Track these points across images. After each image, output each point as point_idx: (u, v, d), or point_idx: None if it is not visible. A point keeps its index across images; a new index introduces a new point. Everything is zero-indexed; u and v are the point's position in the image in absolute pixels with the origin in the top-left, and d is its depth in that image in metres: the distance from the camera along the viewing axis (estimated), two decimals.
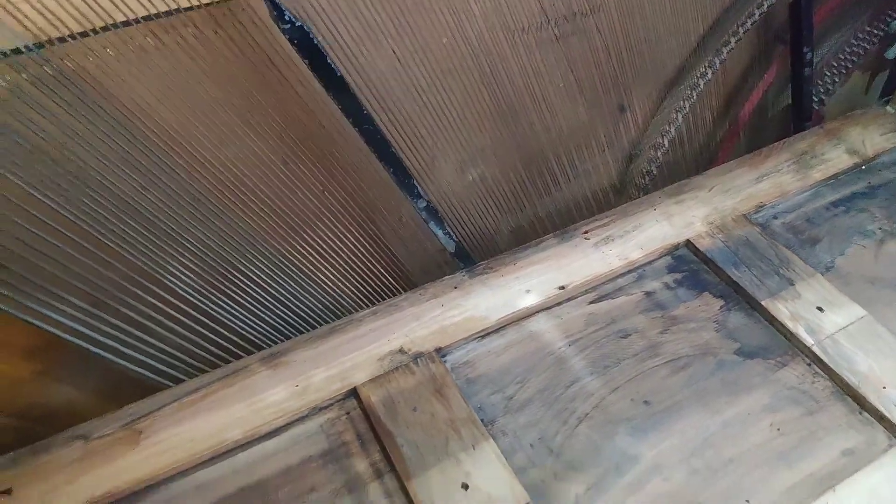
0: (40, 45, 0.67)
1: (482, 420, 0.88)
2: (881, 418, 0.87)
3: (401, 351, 0.96)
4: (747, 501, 0.80)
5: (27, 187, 0.74)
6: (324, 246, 0.99)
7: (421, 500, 0.80)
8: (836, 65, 1.38)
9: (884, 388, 0.89)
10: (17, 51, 0.66)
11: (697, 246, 1.08)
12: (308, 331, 0.99)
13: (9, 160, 0.71)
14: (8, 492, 0.83)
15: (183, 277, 0.89)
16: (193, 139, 0.80)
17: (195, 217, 0.86)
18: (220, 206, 0.88)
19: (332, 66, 0.80)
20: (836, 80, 1.39)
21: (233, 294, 0.96)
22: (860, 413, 0.88)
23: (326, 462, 0.86)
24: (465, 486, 0.81)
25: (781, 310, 0.98)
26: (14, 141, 0.71)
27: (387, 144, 0.88)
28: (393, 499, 0.82)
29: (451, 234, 1.04)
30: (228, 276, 0.94)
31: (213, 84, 0.78)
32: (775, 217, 1.15)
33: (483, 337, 0.99)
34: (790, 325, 0.96)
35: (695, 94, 1.20)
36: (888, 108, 1.36)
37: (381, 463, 0.85)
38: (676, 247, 1.09)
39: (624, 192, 1.28)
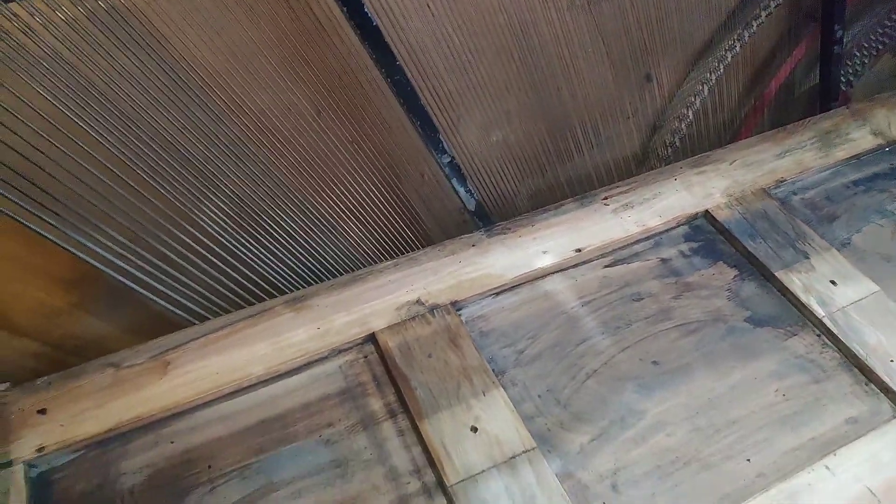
0: None
1: (493, 370, 0.91)
2: (886, 390, 0.88)
3: (418, 302, 0.99)
4: (748, 460, 0.82)
5: (77, 120, 0.77)
6: (350, 198, 1.03)
7: (431, 439, 0.83)
8: (866, 46, 1.38)
9: (891, 360, 0.90)
10: None
11: (715, 216, 1.09)
12: (330, 279, 1.03)
13: (62, 92, 0.75)
14: (42, 411, 0.88)
15: (216, 219, 0.93)
16: (233, 82, 0.83)
17: (230, 160, 0.89)
18: (255, 151, 0.91)
19: (369, 14, 0.82)
20: (866, 61, 1.39)
21: (262, 238, 0.99)
22: (866, 384, 0.90)
23: (343, 400, 0.90)
24: (475, 429, 0.84)
25: (795, 281, 1.00)
26: (67, 73, 0.74)
27: (416, 97, 0.90)
28: (405, 437, 0.86)
29: (473, 192, 1.06)
30: (259, 220, 0.97)
31: (254, 28, 0.81)
32: (795, 193, 1.16)
33: (498, 294, 1.02)
34: (802, 296, 0.98)
35: (722, 66, 1.21)
36: None
37: (395, 404, 0.89)
38: (695, 216, 1.11)
39: (646, 163, 1.29)
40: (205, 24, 0.79)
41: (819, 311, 0.96)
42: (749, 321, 0.97)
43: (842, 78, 1.36)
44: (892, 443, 0.82)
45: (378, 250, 1.12)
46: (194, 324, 0.98)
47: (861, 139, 1.25)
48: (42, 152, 0.79)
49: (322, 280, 1.04)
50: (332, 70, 0.90)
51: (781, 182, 1.16)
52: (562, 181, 1.23)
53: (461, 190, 1.04)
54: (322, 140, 0.95)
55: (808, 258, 1.03)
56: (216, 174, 0.90)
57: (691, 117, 1.24)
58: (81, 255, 0.88)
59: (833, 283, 1.00)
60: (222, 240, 0.96)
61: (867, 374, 0.90)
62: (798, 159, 1.20)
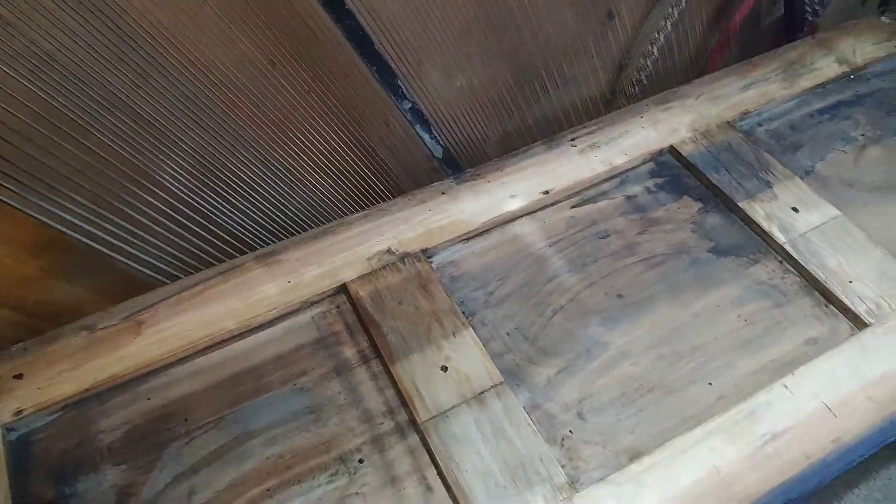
0: None
1: (463, 312, 0.93)
2: (845, 310, 0.90)
3: (389, 251, 1.00)
4: (710, 384, 0.85)
5: (28, 84, 0.77)
6: (313, 149, 1.03)
7: (403, 380, 0.85)
8: None
9: (850, 282, 0.92)
10: None
11: (680, 151, 1.10)
12: (301, 233, 1.04)
13: (9, 57, 0.75)
14: (19, 376, 0.89)
15: (178, 177, 0.93)
16: (184, 37, 0.83)
17: (188, 116, 0.89)
18: (212, 105, 0.91)
19: None
20: None
21: (226, 195, 1.00)
22: (826, 306, 0.92)
23: (317, 349, 0.91)
24: (445, 369, 0.86)
25: (757, 210, 1.01)
26: (12, 37, 0.74)
27: (369, 41, 0.90)
28: (378, 380, 0.87)
29: (439, 139, 1.06)
30: (222, 176, 0.97)
31: None
32: (759, 124, 1.17)
33: (468, 239, 1.03)
34: (765, 224, 0.99)
35: (684, 1, 1.21)
36: (883, 18, 1.35)
37: (368, 350, 0.91)
38: (660, 153, 1.12)
39: (614, 102, 1.29)
40: None
41: (781, 238, 0.97)
42: (713, 251, 0.98)
43: (808, 8, 1.36)
44: (848, 360, 0.84)
45: (348, 202, 1.12)
46: (166, 283, 0.99)
47: (826, 68, 1.25)
48: None
49: (293, 235, 1.05)
50: (282, 18, 0.89)
51: (746, 114, 1.17)
52: (530, 124, 1.23)
53: (426, 137, 1.04)
54: (279, 91, 0.94)
55: (770, 187, 1.04)
56: (174, 131, 0.90)
57: (656, 54, 1.24)
58: (46, 220, 0.89)
59: (795, 209, 1.01)
60: (187, 198, 0.96)
61: (827, 297, 0.92)
62: (763, 91, 1.20)
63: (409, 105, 1.00)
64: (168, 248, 1.00)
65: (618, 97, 1.29)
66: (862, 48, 1.28)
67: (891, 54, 1.27)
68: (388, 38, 0.97)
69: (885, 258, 0.95)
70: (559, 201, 1.07)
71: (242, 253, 1.03)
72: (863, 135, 1.14)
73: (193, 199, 0.97)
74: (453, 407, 0.83)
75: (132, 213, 0.94)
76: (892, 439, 0.79)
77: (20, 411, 0.86)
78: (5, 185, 0.84)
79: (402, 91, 0.98)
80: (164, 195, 0.94)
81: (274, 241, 1.06)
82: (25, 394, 0.87)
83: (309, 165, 1.04)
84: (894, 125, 1.15)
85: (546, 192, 1.06)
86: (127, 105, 0.84)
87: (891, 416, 0.79)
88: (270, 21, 0.88)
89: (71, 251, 0.96)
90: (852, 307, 0.89)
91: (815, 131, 1.15)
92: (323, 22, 0.90)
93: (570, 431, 0.81)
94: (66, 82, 0.80)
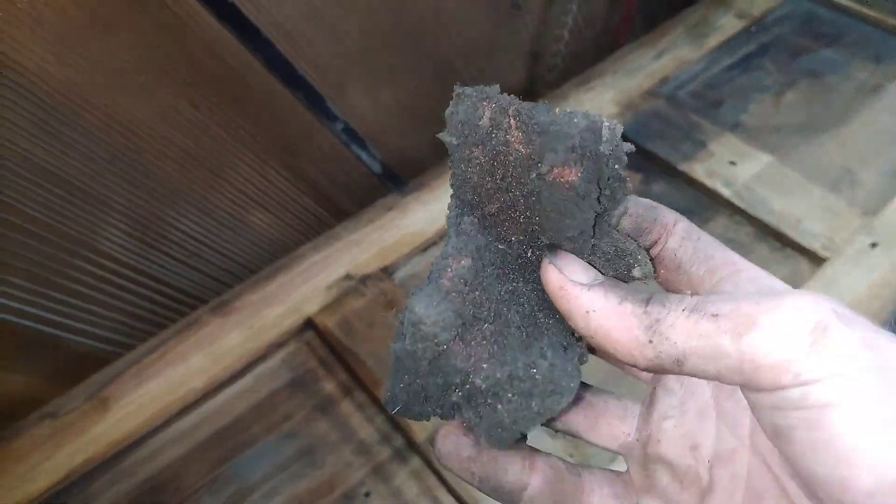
0: None
1: None
2: (801, 249, 0.93)
3: (348, 276, 0.98)
4: None
5: None
6: (251, 187, 1.00)
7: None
8: None
9: (799, 222, 0.95)
10: None
11: None
12: (252, 275, 1.00)
13: None
14: None
15: (116, 240, 0.89)
16: (100, 95, 0.79)
17: (117, 176, 0.85)
18: (140, 160, 0.87)
19: None
20: None
21: (169, 250, 0.96)
22: (783, 249, 0.95)
23: (295, 391, 0.88)
24: None
25: (698, 170, 1.03)
26: None
27: (291, 68, 0.88)
28: (365, 410, 0.85)
29: (375, 155, 1.05)
30: (162, 231, 0.93)
31: (106, 33, 0.77)
32: (679, 88, 1.20)
33: (425, 250, 1.02)
34: (708, 182, 1.02)
35: None
36: None
37: (348, 381, 0.88)
38: None
39: (535, 91, 1.31)
40: (56, 42, 0.74)
41: (726, 192, 1.00)
42: None
43: None
44: (813, 290, 0.87)
45: (295, 235, 1.10)
46: (122, 354, 0.94)
47: (727, 24, 1.30)
48: None
49: (243, 279, 1.02)
50: (199, 60, 0.86)
51: (665, 81, 1.20)
52: None
53: (363, 154, 1.02)
54: (207, 134, 0.91)
55: (705, 146, 1.07)
56: (106, 193, 0.86)
57: (567, 37, 1.26)
58: None
59: (732, 163, 1.04)
60: (129, 260, 0.92)
61: (781, 240, 0.95)
62: (675, 56, 1.24)
63: (342, 126, 0.98)
64: (116, 316, 0.95)
65: (537, 85, 1.30)
66: (756, 0, 1.34)
67: (783, 2, 1.33)
68: (308, 62, 0.95)
69: (824, 193, 0.98)
70: None
71: (194, 308, 0.99)
72: (776, 81, 1.18)
73: (135, 261, 0.92)
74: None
75: (73, 285, 0.89)
76: None
77: None
78: None
79: (332, 112, 0.96)
80: (104, 261, 0.90)
81: (227, 289, 1.02)
82: None
83: (249, 204, 1.01)
84: (801, 67, 1.20)
85: None
86: (53, 175, 0.80)
87: None
88: (186, 64, 0.85)
89: (13, 337, 0.90)
90: (807, 245, 0.92)
91: (732, 86, 1.19)
92: (241, 56, 0.87)
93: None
94: None
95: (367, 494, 0.78)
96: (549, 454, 0.35)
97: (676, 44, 1.26)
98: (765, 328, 0.25)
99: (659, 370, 0.28)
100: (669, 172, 1.05)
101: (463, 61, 1.17)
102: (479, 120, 0.32)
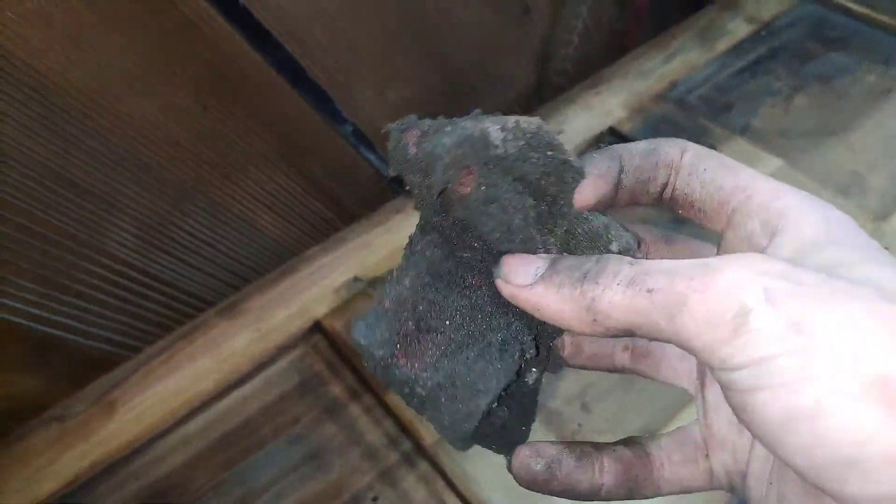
0: None
1: None
2: None
3: (356, 279, 0.98)
4: None
5: None
6: (258, 189, 0.99)
7: (399, 407, 0.83)
8: None
9: None
10: None
11: (620, 130, 1.12)
12: (259, 278, 1.00)
13: None
14: None
15: (124, 242, 0.89)
16: (109, 96, 0.79)
17: (125, 177, 0.85)
18: (149, 161, 0.87)
19: None
20: None
21: (177, 252, 0.95)
22: None
23: (303, 394, 0.88)
24: None
25: None
26: None
27: (301, 71, 0.88)
28: (373, 413, 0.85)
29: (384, 158, 1.05)
30: (169, 233, 0.93)
31: (116, 34, 0.77)
32: (689, 91, 1.19)
33: None
34: None
35: None
36: None
37: (356, 384, 0.88)
38: (601, 135, 1.13)
39: (543, 94, 1.30)
40: (66, 42, 0.74)
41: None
42: (674, 222, 0.99)
43: None
44: None
45: (302, 238, 1.09)
46: (129, 357, 0.94)
47: (737, 28, 1.29)
48: None
49: (250, 282, 1.01)
50: (209, 61, 0.86)
51: (674, 84, 1.19)
52: None
53: (372, 157, 1.02)
54: (215, 135, 0.91)
55: (714, 150, 1.06)
56: (114, 195, 0.85)
57: (577, 41, 1.26)
58: None
59: None
60: (136, 262, 0.92)
61: None
62: (684, 60, 1.23)
63: (351, 128, 0.98)
64: (124, 319, 0.95)
65: (545, 89, 1.30)
66: (766, 4, 1.33)
67: (793, 6, 1.33)
68: (316, 64, 0.94)
69: (834, 198, 0.98)
70: None
71: (203, 310, 0.99)
72: (786, 85, 1.18)
73: (143, 263, 0.92)
74: None
75: (81, 287, 0.89)
76: None
77: None
78: None
79: (341, 115, 0.96)
80: (112, 263, 0.90)
81: (234, 292, 1.02)
82: (4, 499, 0.82)
83: (256, 206, 1.00)
84: (812, 71, 1.20)
85: None
86: (60, 176, 0.80)
87: None
88: (196, 65, 0.85)
89: (20, 340, 0.90)
90: None
91: (742, 90, 1.18)
92: (250, 57, 0.87)
93: (579, 424, 0.80)
94: None
95: (374, 499, 0.78)
96: (614, 447, 0.36)
97: (686, 48, 1.25)
98: (692, 311, 0.25)
99: (624, 336, 0.29)
100: None
101: (471, 64, 1.17)
102: (406, 151, 0.33)
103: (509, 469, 0.37)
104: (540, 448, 0.36)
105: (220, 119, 0.90)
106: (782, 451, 0.25)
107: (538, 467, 0.35)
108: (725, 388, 0.26)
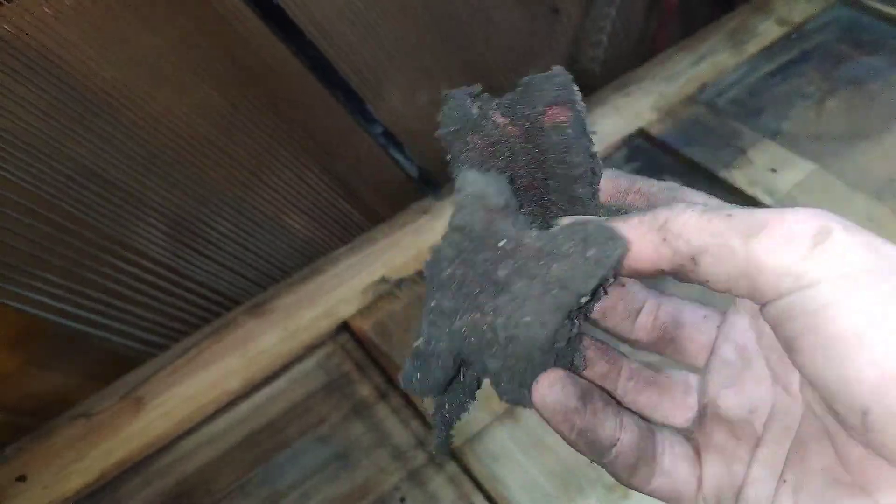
0: None
1: None
2: None
3: (383, 280, 0.97)
4: None
5: None
6: (287, 188, 0.99)
7: (427, 408, 0.82)
8: None
9: None
10: None
11: (650, 132, 1.10)
12: (287, 278, 1.00)
13: None
14: (22, 478, 0.83)
15: (153, 239, 0.89)
16: (142, 93, 0.79)
17: (155, 174, 0.85)
18: (179, 159, 0.87)
19: None
20: None
21: (205, 250, 0.95)
22: None
23: (330, 393, 0.88)
24: None
25: (738, 177, 1.01)
26: None
27: (332, 70, 0.87)
28: (400, 414, 0.84)
29: (412, 158, 1.04)
30: (198, 231, 0.93)
31: (150, 33, 0.77)
32: (719, 94, 1.18)
33: None
34: (748, 189, 1.00)
35: None
36: None
37: (384, 384, 0.87)
38: (630, 137, 1.12)
39: None
40: (101, 39, 0.74)
41: (767, 200, 0.98)
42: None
43: None
44: None
45: (329, 239, 1.09)
46: (157, 354, 0.94)
47: (768, 31, 1.27)
48: None
49: (278, 282, 1.01)
50: (240, 59, 0.86)
51: (704, 87, 1.18)
52: None
53: (400, 158, 1.02)
54: (244, 134, 0.91)
55: (744, 153, 1.05)
56: (144, 192, 0.86)
57: (606, 42, 1.25)
58: (20, 305, 0.83)
59: (773, 170, 1.02)
60: (165, 259, 0.92)
61: None
62: (714, 62, 1.22)
63: (381, 129, 0.97)
64: (151, 316, 0.95)
65: None
66: (797, 6, 1.31)
67: (825, 9, 1.31)
68: (348, 64, 0.94)
69: (868, 201, 0.96)
70: None
71: (230, 309, 0.99)
72: (818, 89, 1.16)
73: (172, 260, 0.92)
74: (485, 426, 0.80)
75: (110, 284, 0.89)
76: None
77: None
78: None
79: (371, 115, 0.95)
80: (141, 260, 0.90)
81: (262, 291, 1.01)
82: (32, 495, 0.82)
83: (285, 206, 1.00)
84: (844, 75, 1.18)
85: None
86: (92, 172, 0.80)
87: None
88: (227, 63, 0.85)
89: (49, 336, 0.91)
90: None
91: (773, 93, 1.17)
92: (282, 56, 0.87)
93: None
94: (27, 156, 0.75)
95: (402, 500, 0.77)
96: (633, 413, 0.35)
97: (715, 50, 1.24)
98: (772, 230, 0.25)
99: (679, 272, 0.29)
100: (709, 179, 1.03)
101: (499, 64, 1.16)
102: (470, 111, 0.36)
103: (518, 401, 0.33)
104: (573, 377, 0.33)
105: (249, 118, 0.90)
106: (842, 370, 0.24)
107: (571, 395, 0.32)
108: (786, 316, 0.26)
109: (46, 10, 0.68)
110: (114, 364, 0.94)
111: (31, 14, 0.68)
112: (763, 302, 0.26)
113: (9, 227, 0.77)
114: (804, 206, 0.26)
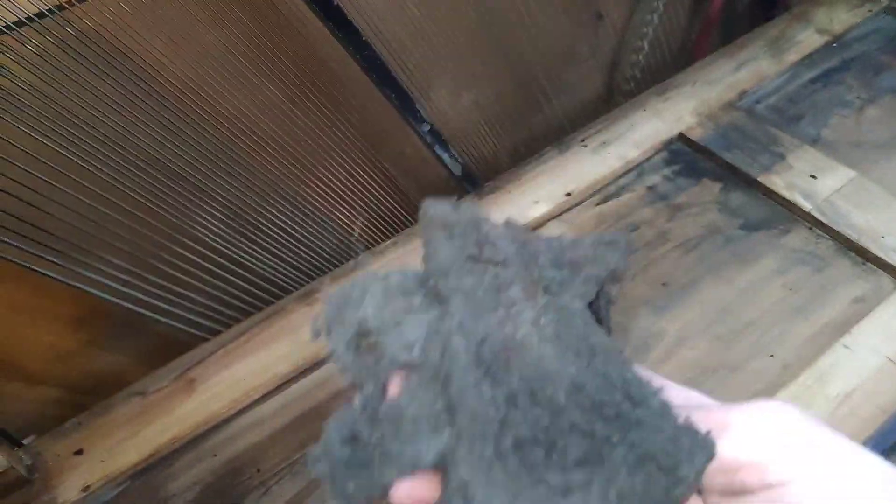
0: (61, 7, 0.69)
1: None
2: (884, 265, 0.92)
3: None
4: (771, 356, 0.86)
5: (61, 150, 0.77)
6: (338, 184, 1.03)
7: None
8: None
9: (882, 237, 0.94)
10: (40, 15, 0.69)
11: (690, 137, 1.12)
12: (333, 269, 1.03)
13: (44, 126, 0.74)
14: (80, 452, 0.88)
15: (212, 228, 0.93)
16: (208, 88, 0.83)
17: (218, 166, 0.89)
18: (240, 153, 0.91)
19: None
20: None
21: (260, 240, 0.99)
22: (864, 264, 0.94)
23: None
24: None
25: (777, 182, 1.03)
26: (46, 106, 0.73)
27: (386, 70, 0.91)
28: None
29: (457, 157, 1.07)
30: (254, 222, 0.97)
31: (219, 30, 0.81)
32: (758, 101, 1.19)
33: None
34: (787, 194, 1.01)
35: None
36: None
37: None
38: (670, 141, 1.14)
39: (611, 101, 1.32)
40: (172, 35, 0.78)
41: (806, 205, 0.99)
42: (743, 228, 1.00)
43: None
44: None
45: (373, 233, 1.13)
46: (209, 339, 0.98)
47: (808, 39, 1.29)
48: (34, 190, 0.78)
49: (325, 272, 1.05)
50: (300, 57, 0.90)
51: (744, 94, 1.20)
52: (537, 134, 1.25)
53: (445, 156, 1.05)
54: (301, 130, 0.95)
55: (784, 158, 1.06)
56: (206, 183, 0.90)
57: (647, 48, 1.27)
58: (86, 287, 0.87)
59: (813, 176, 1.03)
60: (222, 248, 0.96)
61: (863, 255, 0.94)
62: (754, 69, 1.24)
63: (428, 127, 1.00)
64: (206, 302, 0.99)
65: (614, 95, 1.32)
66: (837, 16, 1.33)
67: (866, 19, 1.32)
68: (400, 64, 0.98)
69: None
70: (583, 201, 1.08)
71: (280, 297, 1.03)
72: (858, 97, 1.17)
73: (228, 249, 0.96)
74: None
75: (168, 269, 0.93)
76: None
77: (87, 487, 0.84)
78: (45, 256, 0.83)
79: (421, 115, 0.99)
80: (199, 248, 0.94)
81: (309, 281, 1.05)
82: (89, 468, 0.86)
83: (335, 200, 1.04)
84: (885, 84, 1.19)
85: (569, 194, 1.07)
86: (159, 162, 0.84)
87: None
88: (287, 61, 0.89)
89: (110, 318, 0.95)
90: (890, 261, 0.91)
91: (812, 100, 1.18)
92: (339, 55, 0.90)
93: None
94: (99, 144, 0.80)
95: None
96: None
97: (756, 57, 1.26)
98: (737, 429, 0.27)
99: None
100: (748, 183, 1.05)
101: (542, 68, 1.19)
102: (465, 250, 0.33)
103: None
104: None
105: (306, 114, 0.94)
106: None
107: None
108: None
109: (123, 6, 0.73)
110: (168, 347, 0.98)
111: (109, 9, 0.72)
112: (734, 497, 0.27)
113: (81, 212, 0.82)
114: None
